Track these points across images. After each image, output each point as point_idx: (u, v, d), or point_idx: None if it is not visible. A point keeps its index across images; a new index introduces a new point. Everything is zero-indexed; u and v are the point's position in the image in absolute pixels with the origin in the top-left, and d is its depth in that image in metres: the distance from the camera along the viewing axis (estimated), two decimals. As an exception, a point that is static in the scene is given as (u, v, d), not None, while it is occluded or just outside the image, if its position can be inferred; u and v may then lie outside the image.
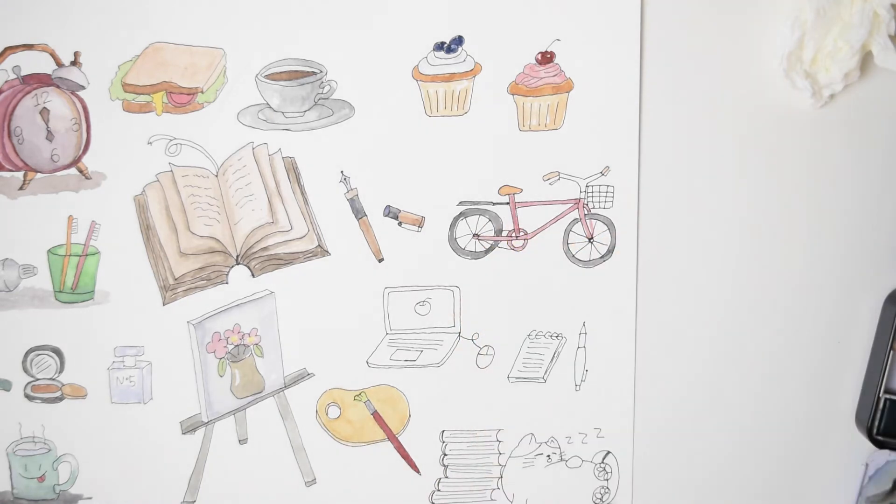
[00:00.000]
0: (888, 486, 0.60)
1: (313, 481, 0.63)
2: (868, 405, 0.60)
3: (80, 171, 0.59)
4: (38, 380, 0.61)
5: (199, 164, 0.59)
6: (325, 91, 0.59)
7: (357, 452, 0.63)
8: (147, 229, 0.59)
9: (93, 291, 0.60)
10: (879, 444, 0.60)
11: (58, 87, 0.58)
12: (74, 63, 0.58)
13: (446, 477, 0.63)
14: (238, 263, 0.60)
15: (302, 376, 0.62)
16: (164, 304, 0.60)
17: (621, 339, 0.61)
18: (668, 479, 0.63)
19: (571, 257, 0.61)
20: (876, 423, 0.60)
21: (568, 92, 0.59)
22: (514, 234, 0.60)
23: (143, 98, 0.58)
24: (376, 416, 0.62)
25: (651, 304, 0.61)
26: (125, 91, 0.58)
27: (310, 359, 0.61)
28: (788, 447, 0.63)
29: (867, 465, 0.61)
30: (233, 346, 0.61)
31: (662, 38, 0.58)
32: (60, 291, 0.60)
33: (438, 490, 0.63)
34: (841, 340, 0.62)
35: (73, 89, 0.58)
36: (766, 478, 0.63)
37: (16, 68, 0.57)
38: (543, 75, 0.58)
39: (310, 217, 0.60)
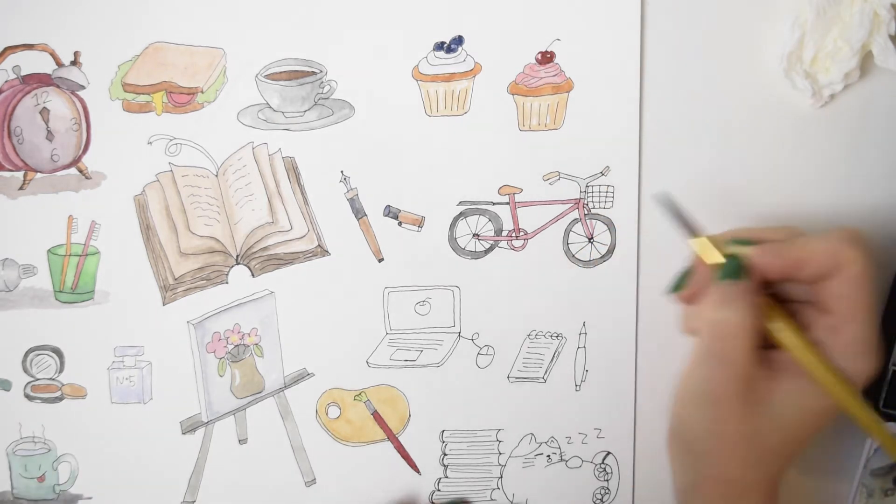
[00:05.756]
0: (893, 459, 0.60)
1: (313, 481, 0.63)
2: (875, 377, 0.59)
3: (80, 171, 0.59)
4: (38, 380, 0.61)
5: (199, 164, 0.59)
6: (325, 91, 0.59)
7: (357, 452, 0.63)
8: (147, 229, 0.59)
9: (93, 291, 0.60)
10: (886, 417, 0.60)
11: (58, 87, 0.58)
12: (74, 63, 0.58)
13: (446, 477, 0.63)
14: (238, 263, 0.60)
15: (302, 376, 0.62)
16: (164, 304, 0.60)
17: (621, 339, 0.61)
18: (669, 480, 0.63)
19: (571, 257, 0.61)
20: (883, 395, 0.59)
21: (568, 92, 0.59)
22: (514, 234, 0.60)
23: (143, 98, 0.58)
24: (376, 416, 0.62)
25: (651, 304, 0.61)
26: (125, 91, 0.58)
27: (310, 359, 0.61)
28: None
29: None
30: (233, 346, 0.61)
31: (662, 38, 0.58)
32: (60, 291, 0.60)
33: (438, 490, 0.63)
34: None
35: (73, 89, 0.58)
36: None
37: (16, 68, 0.58)
38: (543, 75, 0.58)
39: (310, 217, 0.60)
